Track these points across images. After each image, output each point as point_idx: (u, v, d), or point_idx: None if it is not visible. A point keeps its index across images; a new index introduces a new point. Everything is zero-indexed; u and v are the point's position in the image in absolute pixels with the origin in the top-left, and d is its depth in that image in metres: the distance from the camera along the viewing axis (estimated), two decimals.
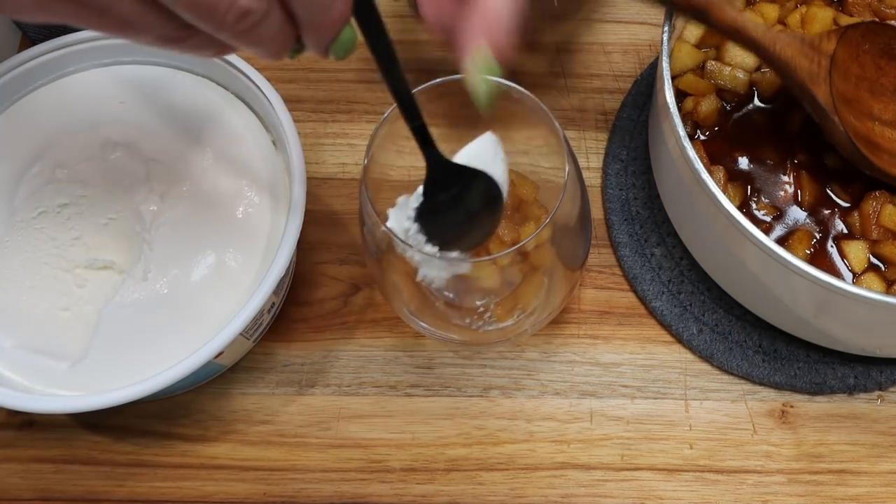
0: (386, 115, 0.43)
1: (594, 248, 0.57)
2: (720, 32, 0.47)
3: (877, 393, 0.53)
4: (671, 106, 0.47)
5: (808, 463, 0.51)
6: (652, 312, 0.55)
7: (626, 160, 0.59)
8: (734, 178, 0.51)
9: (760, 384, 0.53)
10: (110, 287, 0.48)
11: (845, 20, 0.53)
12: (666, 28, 0.49)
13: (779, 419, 0.52)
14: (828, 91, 0.47)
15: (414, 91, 0.42)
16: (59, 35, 0.53)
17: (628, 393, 0.53)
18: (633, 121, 0.60)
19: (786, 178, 0.51)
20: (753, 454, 0.51)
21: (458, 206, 0.40)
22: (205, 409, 0.52)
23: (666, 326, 0.54)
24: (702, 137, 0.53)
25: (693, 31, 0.54)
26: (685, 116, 0.52)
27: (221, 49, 0.33)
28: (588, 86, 0.62)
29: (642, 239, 0.57)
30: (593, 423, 0.52)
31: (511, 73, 0.59)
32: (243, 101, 0.54)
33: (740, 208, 0.49)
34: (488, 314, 0.47)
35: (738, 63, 0.53)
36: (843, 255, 0.49)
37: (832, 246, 0.50)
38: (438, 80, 0.43)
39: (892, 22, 0.54)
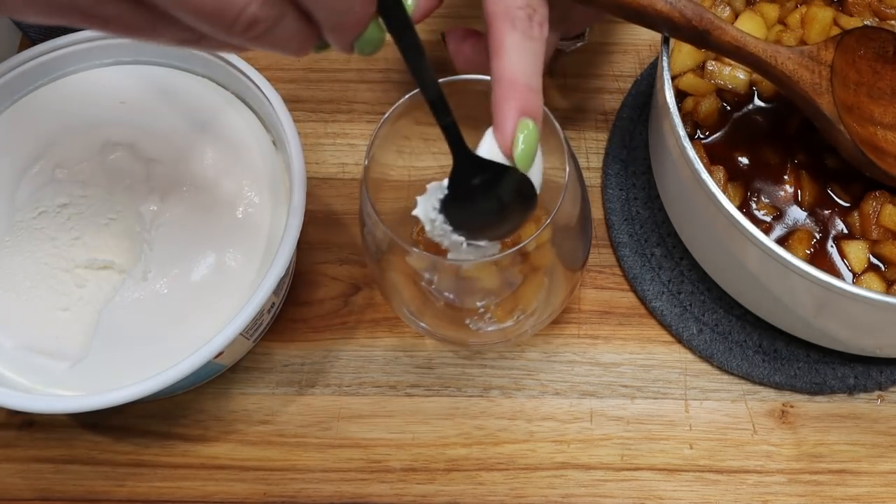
0: (387, 115, 0.43)
1: (594, 248, 0.57)
2: (721, 53, 0.47)
3: (877, 393, 0.53)
4: (671, 106, 0.47)
5: (808, 463, 0.51)
6: (652, 312, 0.55)
7: (626, 160, 0.59)
8: (734, 178, 0.51)
9: (760, 384, 0.53)
10: (110, 287, 0.48)
11: (845, 20, 0.53)
12: None
13: (779, 419, 0.52)
14: (831, 101, 0.47)
15: (414, 92, 0.42)
16: (59, 35, 0.53)
17: (628, 393, 0.53)
18: (633, 121, 0.60)
19: (786, 178, 0.51)
20: (753, 454, 0.51)
21: (486, 197, 0.39)
22: (205, 409, 0.52)
23: (666, 326, 0.54)
24: (702, 137, 0.53)
25: None
26: (685, 116, 0.52)
27: (239, 48, 0.33)
28: (588, 86, 0.62)
29: (642, 239, 0.57)
30: (593, 423, 0.52)
31: None
32: (243, 101, 0.54)
33: (740, 208, 0.49)
34: (489, 315, 0.47)
35: (737, 63, 0.53)
36: (843, 255, 0.49)
37: (832, 246, 0.50)
38: (441, 80, 0.43)
39: (892, 22, 0.54)
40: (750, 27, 0.52)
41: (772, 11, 0.54)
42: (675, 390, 0.53)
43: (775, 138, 0.52)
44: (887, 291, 0.48)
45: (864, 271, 0.49)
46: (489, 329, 0.47)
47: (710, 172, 0.46)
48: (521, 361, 0.54)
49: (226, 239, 0.49)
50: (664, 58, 0.49)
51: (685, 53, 0.54)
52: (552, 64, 0.58)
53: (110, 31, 0.31)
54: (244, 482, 0.51)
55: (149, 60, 0.54)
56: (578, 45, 0.57)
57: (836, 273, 0.49)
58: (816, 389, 0.53)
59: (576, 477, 0.51)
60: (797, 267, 0.43)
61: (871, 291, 0.43)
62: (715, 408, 0.53)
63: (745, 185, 0.51)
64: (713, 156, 0.52)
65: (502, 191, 0.39)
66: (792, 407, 0.53)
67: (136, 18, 0.30)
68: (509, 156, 0.37)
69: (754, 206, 0.51)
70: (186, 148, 0.51)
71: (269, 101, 0.51)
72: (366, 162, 0.42)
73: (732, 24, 0.50)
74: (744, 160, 0.52)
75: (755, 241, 0.44)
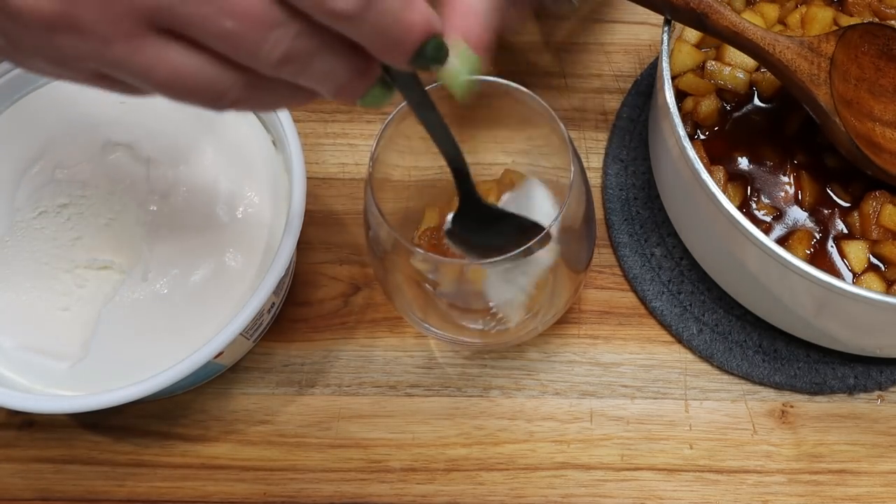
0: (391, 115, 0.43)
1: (594, 247, 0.57)
2: (719, 37, 0.47)
3: (877, 393, 0.53)
4: (671, 106, 0.47)
5: (808, 463, 0.51)
6: (652, 312, 0.55)
7: (626, 160, 0.59)
8: (734, 178, 0.51)
9: (760, 384, 0.53)
10: (110, 287, 0.48)
11: (845, 20, 0.53)
12: (666, 28, 0.50)
13: (779, 419, 0.52)
14: (828, 93, 0.47)
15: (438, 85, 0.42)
16: None
17: (628, 393, 0.53)
18: (633, 121, 0.60)
19: (786, 178, 0.51)
20: (753, 454, 0.51)
21: (489, 236, 0.41)
22: (205, 409, 0.52)
23: (666, 326, 0.54)
24: (702, 137, 0.53)
25: (693, 31, 0.54)
26: (685, 116, 0.52)
27: (307, 96, 0.31)
28: (588, 86, 0.62)
29: (642, 239, 0.57)
30: (593, 423, 0.52)
31: (511, 74, 0.59)
32: None
33: (740, 208, 0.49)
34: (489, 317, 0.47)
35: (738, 63, 0.53)
36: (843, 255, 0.49)
37: (832, 246, 0.50)
38: (435, 84, 0.43)
39: (892, 22, 0.54)
40: None
41: (772, 11, 0.54)
42: (675, 390, 0.53)
43: (775, 138, 0.52)
44: (887, 291, 0.48)
45: (864, 271, 0.49)
46: (493, 330, 0.47)
47: (710, 172, 0.46)
48: (521, 361, 0.54)
49: (226, 239, 0.49)
50: (664, 58, 0.49)
51: (685, 53, 0.54)
52: (553, 30, 0.56)
53: (176, 90, 0.29)
54: (244, 482, 0.51)
55: None
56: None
57: (836, 273, 0.49)
58: (816, 389, 0.53)
59: (576, 477, 0.51)
60: (797, 267, 0.43)
61: (871, 291, 0.43)
62: (715, 408, 0.53)
63: (745, 185, 0.51)
64: (713, 156, 0.52)
65: (506, 232, 0.40)
66: (792, 407, 0.53)
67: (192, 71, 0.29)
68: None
69: (754, 206, 0.51)
70: (186, 148, 0.51)
71: None
72: (370, 165, 0.42)
73: None
74: (744, 160, 0.52)
75: (755, 241, 0.44)
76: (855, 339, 0.50)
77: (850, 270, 0.49)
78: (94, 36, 0.28)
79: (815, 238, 0.50)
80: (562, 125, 0.43)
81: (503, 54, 0.63)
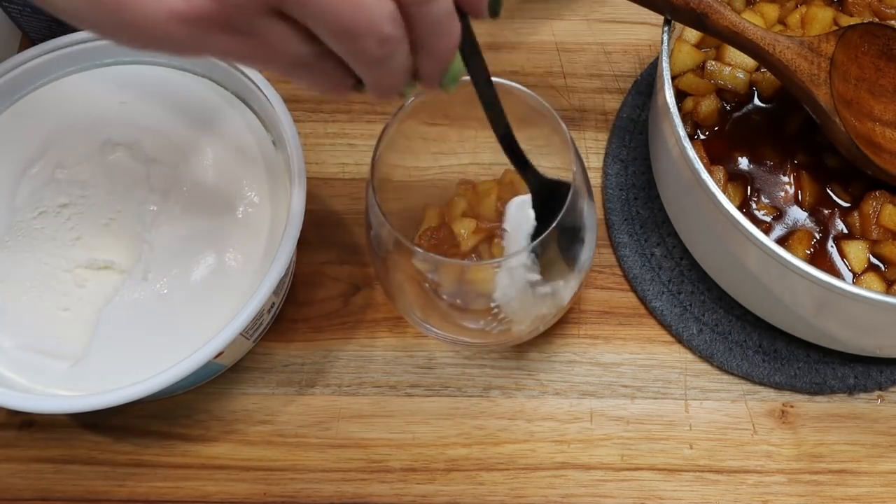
0: (393, 116, 0.43)
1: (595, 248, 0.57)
2: (719, 37, 0.47)
3: (877, 393, 0.53)
4: (671, 106, 0.47)
5: (808, 463, 0.51)
6: (652, 312, 0.55)
7: (626, 160, 0.59)
8: (734, 178, 0.51)
9: (760, 384, 0.53)
10: (110, 287, 0.48)
11: (845, 20, 0.54)
12: (666, 28, 0.50)
13: (779, 419, 0.52)
14: (828, 92, 0.47)
15: (419, 94, 0.42)
16: (59, 35, 0.53)
17: (628, 393, 0.53)
18: (633, 121, 0.60)
19: (786, 178, 0.51)
20: (753, 454, 0.51)
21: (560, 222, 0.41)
22: (205, 409, 0.52)
23: (666, 326, 0.54)
24: (702, 137, 0.53)
25: (693, 31, 0.54)
26: (685, 116, 0.52)
27: (341, 84, 0.33)
28: (588, 86, 0.62)
29: (642, 239, 0.57)
30: (593, 423, 0.52)
31: (511, 74, 0.59)
32: (243, 101, 0.53)
33: (740, 208, 0.49)
34: (490, 317, 0.47)
35: (738, 63, 0.53)
36: (843, 255, 0.49)
37: (832, 246, 0.50)
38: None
39: (892, 22, 0.54)
40: None
41: (772, 11, 0.54)
42: (675, 390, 0.53)
43: (775, 138, 0.52)
44: (887, 291, 0.48)
45: (864, 271, 0.49)
46: (494, 330, 0.47)
47: (710, 172, 0.46)
48: (521, 361, 0.54)
49: (226, 239, 0.49)
50: (664, 58, 0.49)
51: (685, 53, 0.54)
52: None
53: (248, 53, 0.31)
54: (244, 482, 0.51)
55: (149, 60, 0.54)
56: None
57: (836, 273, 0.49)
58: (816, 389, 0.53)
59: (576, 477, 0.51)
60: (797, 267, 0.43)
61: (871, 291, 0.43)
62: (715, 408, 0.53)
63: (745, 185, 0.51)
64: (713, 156, 0.52)
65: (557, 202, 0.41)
66: (792, 407, 0.53)
67: (275, 34, 0.30)
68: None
69: (754, 206, 0.51)
70: (186, 148, 0.51)
71: (269, 100, 0.51)
72: (372, 165, 0.42)
73: None
74: (744, 160, 0.52)
75: (755, 241, 0.44)
76: (855, 339, 0.50)
77: (850, 270, 0.49)
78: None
79: (815, 238, 0.50)
80: (563, 125, 0.43)
81: (503, 54, 0.63)
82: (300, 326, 0.55)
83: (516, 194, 0.49)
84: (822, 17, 0.54)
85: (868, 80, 0.49)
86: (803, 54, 0.47)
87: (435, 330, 0.47)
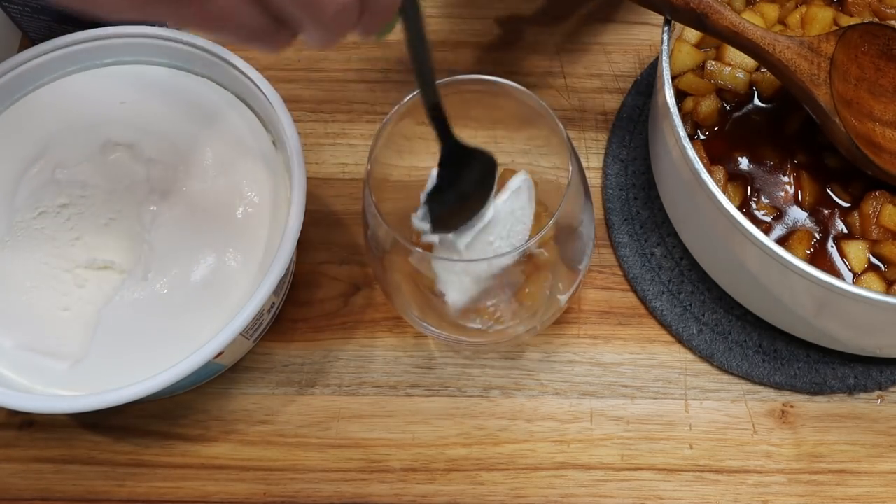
0: (389, 115, 0.43)
1: (594, 247, 0.57)
2: (719, 37, 0.47)
3: (877, 393, 0.53)
4: (671, 106, 0.47)
5: (808, 463, 0.51)
6: (652, 312, 0.55)
7: (626, 160, 0.59)
8: (734, 178, 0.51)
9: (760, 384, 0.53)
10: (110, 287, 0.48)
11: (845, 20, 0.53)
12: (666, 28, 0.50)
13: (779, 419, 0.52)
14: (828, 92, 0.47)
15: (416, 93, 0.42)
16: (59, 35, 0.53)
17: (628, 393, 0.53)
18: (633, 121, 0.60)
19: (786, 178, 0.51)
20: (753, 454, 0.51)
21: (461, 184, 0.42)
22: (205, 409, 0.52)
23: (666, 326, 0.54)
24: (702, 137, 0.53)
25: (693, 31, 0.54)
26: (685, 116, 0.52)
27: (283, 42, 0.33)
28: (588, 86, 0.62)
29: (642, 239, 0.57)
30: (593, 423, 0.52)
31: (511, 74, 0.59)
32: (243, 101, 0.53)
33: (740, 208, 0.49)
34: (487, 316, 0.47)
35: (738, 63, 0.53)
36: (843, 255, 0.49)
37: (832, 246, 0.50)
38: (438, 81, 0.43)
39: (892, 22, 0.54)
40: None
41: (772, 11, 0.54)
42: (675, 390, 0.53)
43: (775, 138, 0.52)
44: (887, 291, 0.48)
45: (864, 271, 0.49)
46: (491, 329, 0.47)
47: (710, 172, 0.46)
48: (521, 361, 0.54)
49: (226, 239, 0.49)
50: (664, 58, 0.49)
51: (685, 53, 0.54)
52: None
53: (200, 21, 0.31)
54: (244, 482, 0.51)
55: (149, 60, 0.54)
56: None
57: (836, 273, 0.49)
58: (816, 389, 0.53)
59: (576, 477, 0.51)
60: (797, 267, 0.43)
61: (871, 291, 0.43)
62: (715, 408, 0.53)
63: (745, 185, 0.51)
64: (713, 156, 0.52)
65: (474, 172, 0.42)
66: (792, 407, 0.53)
67: (228, 4, 0.30)
68: None
69: (754, 206, 0.51)
70: (186, 148, 0.51)
71: (269, 101, 0.51)
72: (369, 164, 0.42)
73: None
74: (744, 160, 0.52)
75: (755, 241, 0.44)
76: (855, 339, 0.50)
77: (850, 270, 0.49)
78: None
79: (815, 238, 0.50)
80: (560, 125, 0.43)
81: (503, 54, 0.63)
82: (300, 326, 0.55)
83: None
84: (822, 17, 0.54)
85: (868, 80, 0.49)
86: (803, 54, 0.47)
87: (433, 329, 0.47)
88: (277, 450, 0.51)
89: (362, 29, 0.34)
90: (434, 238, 0.43)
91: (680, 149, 0.47)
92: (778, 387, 0.53)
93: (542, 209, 0.49)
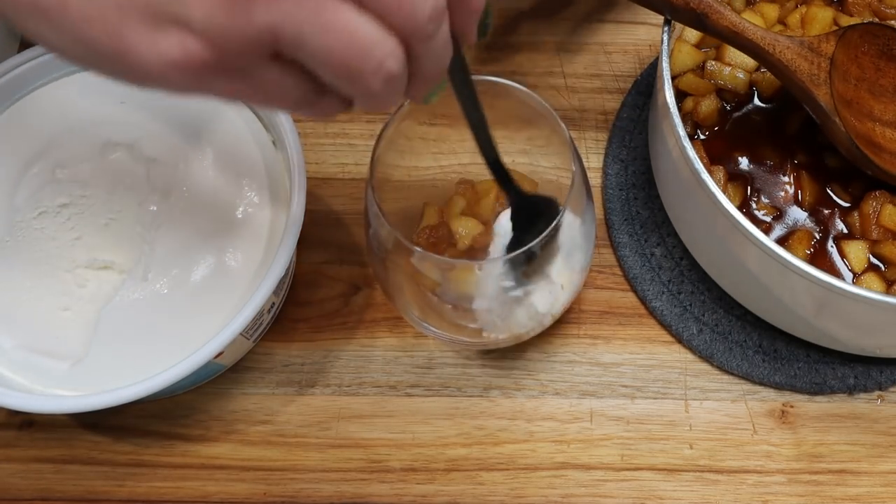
0: (392, 115, 0.43)
1: (594, 247, 0.57)
2: (719, 37, 0.47)
3: (877, 393, 0.53)
4: (671, 106, 0.47)
5: (808, 463, 0.51)
6: (652, 312, 0.55)
7: (626, 160, 0.59)
8: (734, 178, 0.51)
9: (760, 384, 0.53)
10: (111, 287, 0.48)
11: (845, 20, 0.53)
12: (666, 28, 0.50)
13: (779, 419, 0.52)
14: (828, 92, 0.47)
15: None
16: None
17: (628, 393, 0.53)
18: (633, 121, 0.60)
19: (786, 178, 0.51)
20: (753, 454, 0.51)
21: (527, 228, 0.42)
22: (205, 409, 0.52)
23: (666, 326, 0.54)
24: (702, 137, 0.53)
25: (693, 31, 0.54)
26: (685, 116, 0.52)
27: (337, 111, 0.33)
28: (588, 86, 0.62)
29: (642, 239, 0.57)
30: (593, 423, 0.52)
31: (511, 74, 0.59)
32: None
33: (740, 208, 0.49)
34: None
35: (738, 63, 0.53)
36: (843, 255, 0.49)
37: (832, 246, 0.50)
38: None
39: (892, 22, 0.54)
40: None
41: (772, 11, 0.54)
42: (675, 390, 0.53)
43: (775, 138, 0.52)
44: (887, 291, 0.48)
45: (864, 271, 0.49)
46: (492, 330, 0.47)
47: (710, 172, 0.46)
48: (521, 361, 0.54)
49: (226, 239, 0.49)
50: (664, 58, 0.49)
51: (685, 53, 0.54)
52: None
53: (245, 95, 0.31)
54: (244, 482, 0.51)
55: None
56: None
57: (836, 273, 0.49)
58: (816, 389, 0.53)
59: (576, 477, 0.51)
60: (797, 267, 0.43)
61: (871, 291, 0.43)
62: (715, 408, 0.53)
63: (745, 185, 0.51)
64: (713, 156, 0.52)
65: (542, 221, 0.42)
66: (792, 407, 0.53)
67: (271, 78, 0.30)
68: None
69: (754, 206, 0.51)
70: (186, 148, 0.51)
71: None
72: (371, 165, 0.43)
73: None
74: (744, 160, 0.52)
75: (755, 241, 0.44)
76: (855, 339, 0.50)
77: (850, 270, 0.49)
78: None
79: (815, 238, 0.50)
80: (563, 125, 0.43)
81: (503, 54, 0.63)
82: (300, 326, 0.55)
83: None
84: (822, 17, 0.54)
85: (868, 80, 0.49)
86: (803, 54, 0.47)
87: (433, 329, 0.47)
88: (277, 450, 0.51)
89: (411, 95, 0.33)
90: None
91: (680, 149, 0.47)
92: (778, 387, 0.53)
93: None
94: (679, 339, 0.54)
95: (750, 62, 0.53)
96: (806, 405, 0.53)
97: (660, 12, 0.49)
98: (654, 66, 0.62)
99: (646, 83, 0.62)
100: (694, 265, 0.55)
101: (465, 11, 0.31)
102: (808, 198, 0.51)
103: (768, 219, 0.50)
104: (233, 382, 0.53)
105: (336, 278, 0.56)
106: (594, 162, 0.60)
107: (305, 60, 0.29)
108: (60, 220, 0.49)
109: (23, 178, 0.50)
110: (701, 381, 0.53)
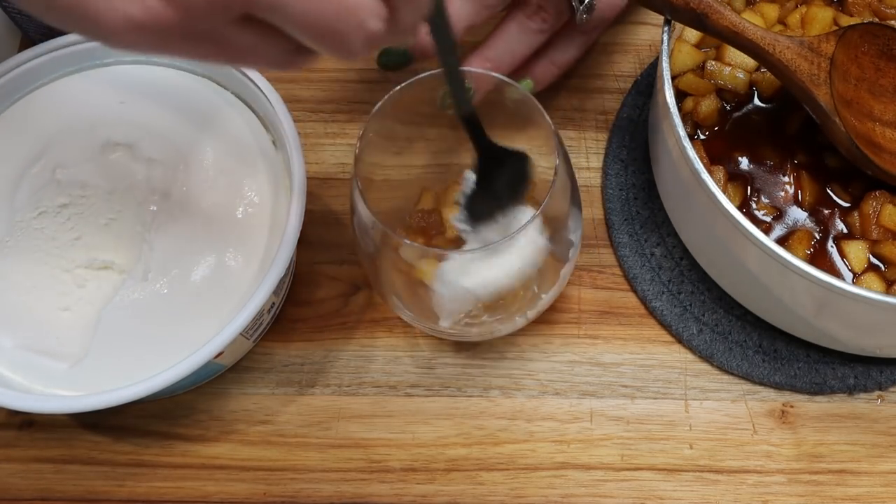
0: (374, 111, 0.44)
1: (594, 248, 0.57)
2: (719, 37, 0.47)
3: (877, 393, 0.53)
4: (671, 106, 0.47)
5: (808, 463, 0.51)
6: (652, 312, 0.55)
7: (626, 160, 0.59)
8: (734, 178, 0.51)
9: (760, 384, 0.53)
10: (110, 287, 0.48)
11: (845, 20, 0.53)
12: (666, 28, 0.50)
13: (779, 419, 0.52)
14: (828, 92, 0.47)
15: (395, 89, 0.43)
16: (59, 35, 0.53)
17: (628, 393, 0.53)
18: (633, 121, 0.60)
19: (786, 178, 0.51)
20: (753, 454, 0.51)
21: (497, 183, 0.43)
22: (205, 409, 0.52)
23: (666, 326, 0.54)
24: (702, 137, 0.53)
25: (693, 31, 0.54)
26: (685, 116, 0.52)
27: (302, 63, 0.32)
28: (588, 86, 0.62)
29: (642, 239, 0.57)
30: (593, 423, 0.52)
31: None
32: (243, 101, 0.53)
33: (740, 208, 0.49)
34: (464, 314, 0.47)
35: (738, 63, 0.53)
36: (843, 255, 0.49)
37: (832, 246, 0.50)
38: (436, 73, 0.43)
39: (892, 22, 0.54)
40: None
41: (772, 11, 0.54)
42: (675, 390, 0.53)
43: (775, 138, 0.52)
44: (887, 291, 0.48)
45: (864, 271, 0.49)
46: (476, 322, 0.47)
47: (710, 172, 0.46)
48: (521, 361, 0.54)
49: (226, 239, 0.49)
50: (664, 58, 0.49)
51: (685, 53, 0.54)
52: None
53: (220, 57, 0.30)
54: (244, 482, 0.51)
55: (149, 60, 0.54)
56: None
57: (836, 273, 0.49)
58: (816, 389, 0.53)
59: (576, 477, 0.51)
60: (797, 267, 0.43)
61: (871, 291, 0.43)
62: (715, 408, 0.53)
63: (745, 185, 0.51)
64: (713, 156, 0.52)
65: (512, 173, 0.43)
66: (792, 407, 0.53)
67: (247, 41, 0.29)
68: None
69: (754, 206, 0.51)
70: (186, 148, 0.51)
71: (269, 101, 0.51)
72: (357, 151, 0.43)
73: None
74: (744, 160, 0.52)
75: (755, 241, 0.44)
76: (855, 339, 0.50)
77: (850, 270, 0.49)
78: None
79: (815, 238, 0.50)
80: (547, 117, 0.43)
81: None
82: (300, 326, 0.55)
83: None
84: (822, 17, 0.54)
85: (868, 80, 0.49)
86: (803, 54, 0.47)
87: (419, 322, 0.47)
88: (277, 450, 0.51)
89: (385, 42, 0.32)
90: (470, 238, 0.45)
91: (680, 149, 0.47)
92: (778, 387, 0.53)
93: (536, 206, 0.49)
94: (679, 339, 0.54)
95: (750, 62, 0.53)
96: (806, 405, 0.53)
97: (660, 12, 0.49)
98: (654, 66, 0.62)
99: (646, 83, 0.62)
100: (694, 265, 0.55)
101: None
102: (808, 198, 0.51)
103: (768, 219, 0.50)
104: (233, 382, 0.53)
105: (336, 278, 0.56)
106: (594, 162, 0.60)
107: (281, 24, 0.28)
108: (60, 220, 0.49)
109: (23, 178, 0.50)
110: (701, 381, 0.53)
